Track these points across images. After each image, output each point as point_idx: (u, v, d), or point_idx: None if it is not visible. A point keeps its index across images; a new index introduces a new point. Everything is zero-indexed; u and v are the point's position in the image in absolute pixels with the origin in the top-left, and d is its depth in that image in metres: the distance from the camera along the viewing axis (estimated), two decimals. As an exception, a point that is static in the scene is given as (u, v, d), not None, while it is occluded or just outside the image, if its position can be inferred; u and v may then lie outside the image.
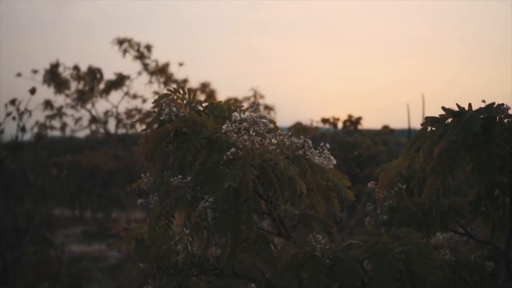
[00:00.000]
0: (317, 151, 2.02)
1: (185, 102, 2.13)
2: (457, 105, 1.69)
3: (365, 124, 14.42)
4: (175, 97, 2.13)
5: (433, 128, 1.66)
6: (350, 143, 12.55)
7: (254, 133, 1.74)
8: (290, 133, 1.89)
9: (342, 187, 2.17)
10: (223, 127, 1.81)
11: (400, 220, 2.26)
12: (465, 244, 2.98)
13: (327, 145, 2.08)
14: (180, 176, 1.79)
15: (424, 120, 1.64)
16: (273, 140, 1.79)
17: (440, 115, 1.65)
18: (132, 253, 2.55)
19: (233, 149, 1.71)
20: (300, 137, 1.88)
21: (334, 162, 2.09)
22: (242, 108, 2.06)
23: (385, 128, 14.06)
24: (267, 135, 1.80)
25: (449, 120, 1.63)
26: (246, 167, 1.65)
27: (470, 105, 1.69)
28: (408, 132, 7.80)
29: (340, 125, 14.69)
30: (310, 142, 1.88)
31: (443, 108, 1.61)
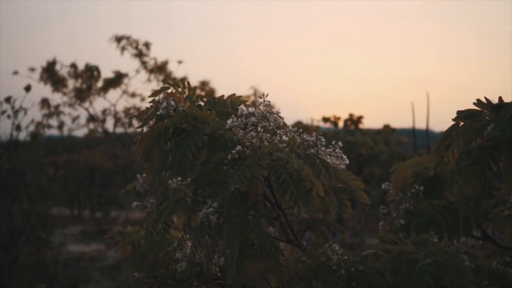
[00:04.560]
0: (329, 149, 1.85)
1: (184, 96, 1.95)
2: (483, 98, 1.51)
3: (366, 123, 14.30)
4: (174, 91, 1.95)
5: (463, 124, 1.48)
6: (351, 142, 12.43)
7: (262, 129, 1.55)
8: (301, 130, 1.70)
9: (355, 189, 2.00)
10: (228, 122, 1.62)
11: (419, 224, 2.08)
12: (481, 249, 2.81)
13: (339, 143, 1.91)
14: (179, 178, 1.61)
15: (456, 115, 1.45)
16: (284, 137, 1.60)
17: (471, 109, 1.47)
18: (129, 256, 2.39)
19: (239, 147, 1.52)
20: (312, 134, 1.70)
21: (347, 161, 1.91)
22: (247, 103, 1.88)
23: (386, 127, 13.94)
24: (278, 132, 1.62)
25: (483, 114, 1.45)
26: (255, 168, 1.47)
27: (500, 98, 1.52)
28: (413, 131, 7.64)
29: (341, 124, 14.58)
30: (323, 139, 1.70)
31: (478, 100, 1.43)
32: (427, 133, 7.36)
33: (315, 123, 14.06)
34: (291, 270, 1.93)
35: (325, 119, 14.24)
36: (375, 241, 1.76)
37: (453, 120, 1.48)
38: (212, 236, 1.56)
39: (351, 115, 14.43)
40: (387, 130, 13.77)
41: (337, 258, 1.58)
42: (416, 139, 7.88)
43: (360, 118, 14.45)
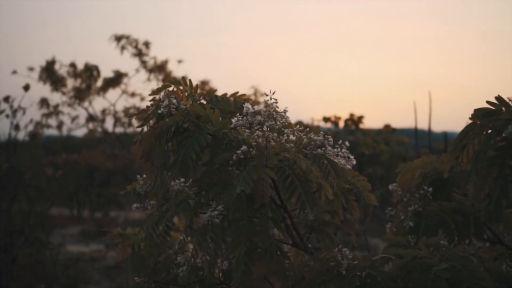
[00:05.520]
0: (336, 149, 1.78)
1: (186, 94, 1.88)
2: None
3: (367, 123, 14.25)
4: (175, 89, 1.88)
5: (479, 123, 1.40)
6: (352, 142, 12.38)
7: (268, 129, 1.49)
8: (308, 129, 1.63)
9: (363, 190, 1.94)
10: (233, 120, 1.55)
11: (428, 227, 2.01)
12: (488, 251, 2.74)
13: (346, 142, 1.84)
14: (182, 180, 1.54)
15: (473, 113, 1.38)
16: (291, 137, 1.53)
17: (488, 108, 1.40)
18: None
19: (244, 147, 1.45)
20: (320, 133, 1.63)
21: (354, 162, 1.85)
22: (250, 102, 1.81)
23: (387, 127, 13.89)
24: (285, 131, 1.55)
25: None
26: (261, 169, 1.40)
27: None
28: (415, 131, 7.56)
29: (341, 124, 14.54)
30: (331, 139, 1.63)
31: (497, 98, 1.36)
32: (429, 133, 7.29)
33: (316, 123, 14.02)
34: (297, 274, 1.86)
35: (326, 119, 14.19)
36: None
37: (470, 118, 1.41)
38: (215, 240, 1.49)
39: (351, 115, 14.38)
40: (388, 130, 13.71)
41: (347, 263, 1.51)
42: (418, 139, 7.80)
43: (360, 118, 14.41)
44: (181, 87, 1.95)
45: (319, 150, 1.63)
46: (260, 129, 1.49)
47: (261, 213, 1.43)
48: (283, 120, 1.52)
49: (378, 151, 12.10)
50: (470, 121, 1.47)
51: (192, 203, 1.56)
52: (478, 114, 1.39)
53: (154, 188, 1.72)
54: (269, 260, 1.91)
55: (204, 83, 15.22)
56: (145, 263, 2.08)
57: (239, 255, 1.40)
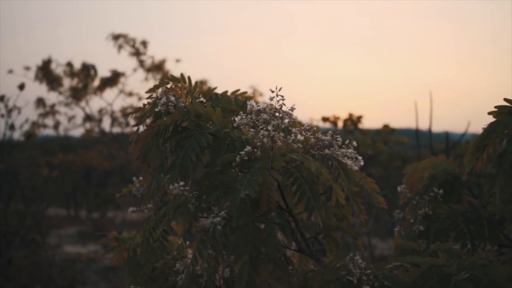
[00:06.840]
0: (343, 150, 1.68)
1: (185, 91, 1.78)
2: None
3: (367, 123, 14.16)
4: (173, 86, 1.78)
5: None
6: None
7: (274, 128, 1.38)
8: (315, 128, 1.53)
9: (372, 193, 1.84)
10: (236, 119, 1.45)
11: (439, 231, 1.92)
12: (496, 254, 2.65)
13: (354, 142, 1.74)
14: (182, 183, 1.44)
15: (496, 110, 1.28)
16: (299, 137, 1.43)
17: (508, 106, 1.30)
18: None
19: (248, 148, 1.35)
20: (328, 133, 1.53)
21: (362, 163, 1.75)
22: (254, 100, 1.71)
23: (386, 127, 13.79)
24: (293, 130, 1.44)
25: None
26: (267, 171, 1.30)
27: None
28: (416, 131, 7.46)
29: (340, 124, 14.44)
30: (340, 139, 1.53)
31: (523, 94, 1.27)
32: (430, 134, 7.19)
33: (314, 123, 13.93)
34: (301, 280, 1.77)
35: (325, 119, 14.10)
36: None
37: (494, 116, 1.31)
38: (216, 248, 1.39)
39: (350, 115, 14.28)
40: (387, 130, 13.62)
41: (359, 273, 1.41)
42: (419, 140, 7.70)
43: (359, 118, 14.31)
44: (179, 85, 1.85)
45: (326, 150, 1.54)
46: (265, 129, 1.39)
47: (267, 219, 1.33)
48: (292, 118, 1.42)
49: (378, 151, 12.02)
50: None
51: (192, 208, 1.46)
52: (502, 111, 1.29)
53: (150, 191, 1.61)
54: (272, 266, 1.81)
55: (202, 82, 15.08)
56: (142, 269, 1.98)
57: (244, 265, 1.29)
